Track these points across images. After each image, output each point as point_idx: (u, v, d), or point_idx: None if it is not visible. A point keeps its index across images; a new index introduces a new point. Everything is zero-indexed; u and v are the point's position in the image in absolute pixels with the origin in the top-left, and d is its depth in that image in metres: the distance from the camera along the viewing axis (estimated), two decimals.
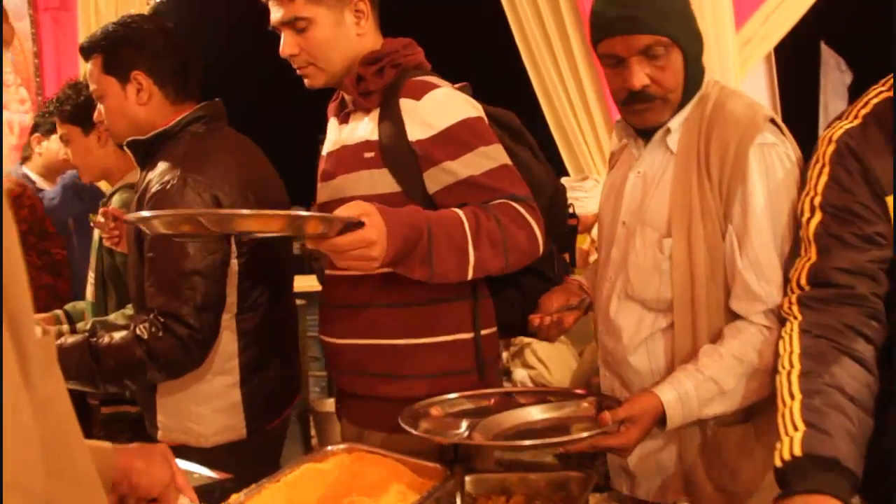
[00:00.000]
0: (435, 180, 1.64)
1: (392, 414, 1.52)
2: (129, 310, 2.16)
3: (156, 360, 1.75)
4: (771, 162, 1.49)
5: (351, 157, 1.73)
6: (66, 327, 2.38)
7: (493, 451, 1.89)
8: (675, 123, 1.58)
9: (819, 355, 1.31)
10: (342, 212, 1.40)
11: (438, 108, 1.64)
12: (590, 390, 1.72)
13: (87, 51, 1.92)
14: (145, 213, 1.45)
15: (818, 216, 1.40)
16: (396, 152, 1.65)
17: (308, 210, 2.02)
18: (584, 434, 1.36)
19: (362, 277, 1.64)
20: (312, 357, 4.52)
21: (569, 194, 2.03)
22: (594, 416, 1.45)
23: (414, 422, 1.44)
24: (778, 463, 1.22)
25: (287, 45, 1.70)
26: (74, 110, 2.34)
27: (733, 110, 1.53)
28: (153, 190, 1.80)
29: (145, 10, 4.51)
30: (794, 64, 3.59)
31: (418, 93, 1.65)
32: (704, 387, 1.44)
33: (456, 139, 1.62)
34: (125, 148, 1.96)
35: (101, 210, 2.22)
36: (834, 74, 5.92)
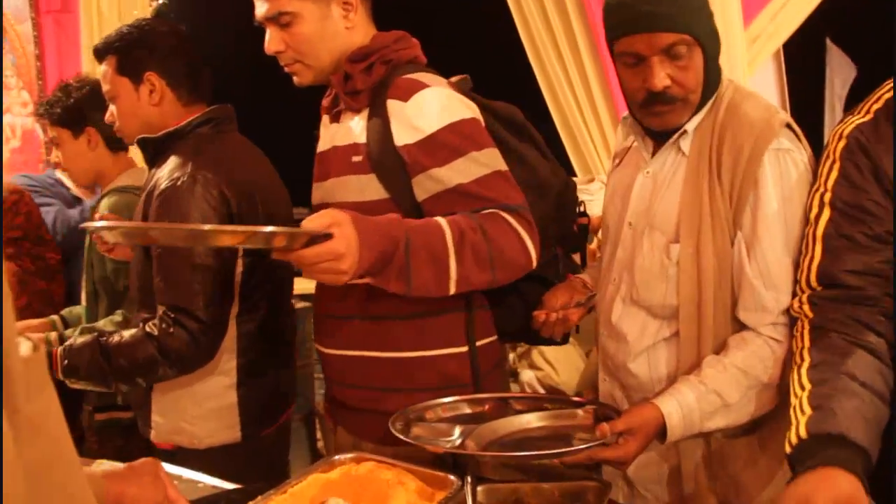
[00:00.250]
0: (423, 188, 1.56)
1: (386, 426, 1.46)
2: (117, 316, 2.15)
3: (167, 356, 1.76)
4: (786, 167, 1.44)
5: (340, 160, 1.66)
6: (53, 335, 2.36)
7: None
8: (692, 126, 1.52)
9: (829, 347, 1.28)
10: (314, 220, 1.35)
11: (426, 110, 1.54)
12: (588, 398, 1.68)
13: (101, 52, 1.96)
14: (101, 224, 1.46)
15: (827, 213, 1.37)
16: (384, 157, 1.57)
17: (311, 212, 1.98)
18: (582, 445, 1.32)
19: (350, 288, 1.56)
20: (317, 360, 4.49)
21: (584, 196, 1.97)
22: (592, 425, 1.40)
23: (405, 427, 1.40)
24: (787, 450, 1.20)
25: (272, 41, 1.64)
26: (64, 113, 2.33)
27: (748, 113, 1.48)
28: (162, 186, 1.81)
29: (148, 11, 4.48)
30: (803, 61, 3.55)
31: (406, 93, 1.56)
32: (707, 399, 1.40)
33: (444, 144, 1.53)
34: (136, 145, 1.98)
35: (97, 216, 2.19)
36: (840, 72, 5.88)
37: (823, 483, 1.10)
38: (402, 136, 1.55)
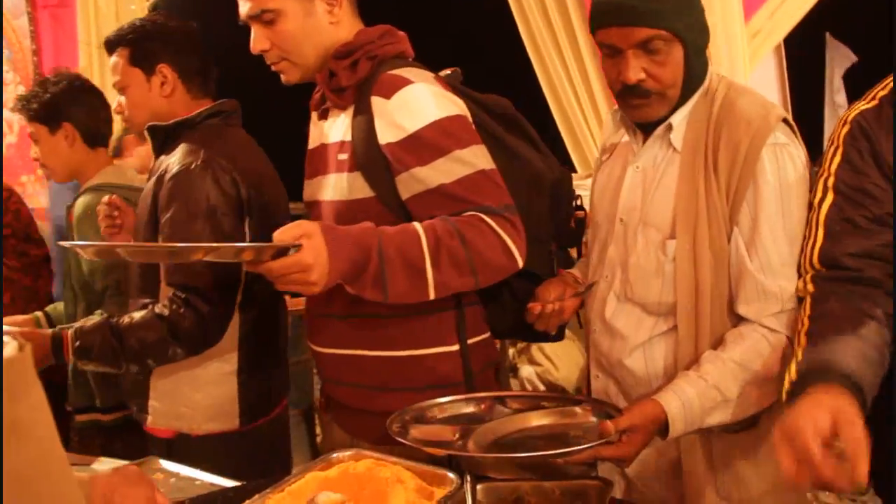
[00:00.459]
0: (406, 187, 1.54)
1: (380, 427, 1.46)
2: (95, 316, 2.13)
3: (177, 336, 1.80)
4: (783, 162, 1.45)
5: (327, 158, 1.66)
6: (40, 314, 2.38)
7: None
8: (677, 119, 1.52)
9: (831, 312, 1.31)
10: (285, 232, 1.36)
11: (409, 107, 1.52)
12: (585, 395, 1.67)
13: (113, 43, 1.99)
14: (77, 243, 1.55)
15: (830, 197, 1.38)
16: (368, 156, 1.56)
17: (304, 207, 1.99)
18: (585, 445, 1.30)
19: (339, 287, 1.52)
20: None
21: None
22: (592, 423, 1.39)
23: (403, 428, 1.38)
24: (783, 398, 1.21)
25: (257, 40, 1.63)
26: (40, 108, 2.29)
27: (744, 109, 1.48)
28: (175, 170, 1.85)
29: (145, 6, 4.46)
30: (804, 56, 3.54)
31: (389, 90, 1.54)
32: (707, 395, 1.40)
33: (427, 144, 1.51)
34: (146, 133, 2.01)
35: (105, 199, 2.17)
36: (841, 67, 5.87)
37: (809, 407, 1.10)
38: (386, 134, 1.53)
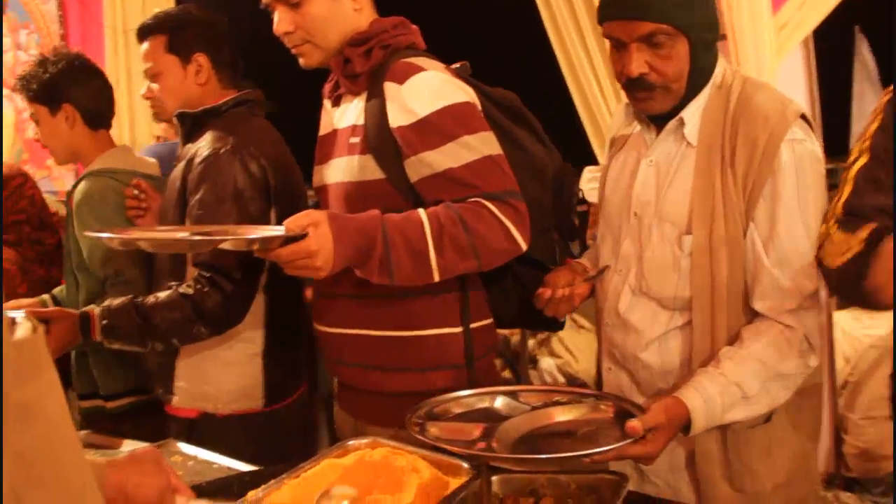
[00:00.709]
0: (414, 170, 1.59)
1: (386, 409, 1.53)
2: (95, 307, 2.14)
3: (202, 315, 1.83)
4: (801, 157, 1.44)
5: (339, 142, 1.71)
6: (46, 297, 2.37)
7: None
8: (689, 114, 1.52)
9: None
10: (294, 220, 1.44)
11: (421, 93, 1.57)
12: (600, 391, 1.66)
13: (148, 30, 2.02)
14: (102, 234, 1.55)
15: (864, 159, 1.40)
16: (380, 139, 1.61)
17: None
18: (612, 445, 1.28)
19: (345, 268, 1.57)
20: None
21: (588, 185, 1.99)
22: (612, 419, 1.38)
23: (422, 426, 1.38)
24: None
25: (282, 22, 1.66)
26: (40, 89, 2.23)
27: (762, 105, 1.47)
28: (204, 154, 1.90)
29: None
30: (832, 50, 3.49)
31: (402, 76, 1.59)
32: (729, 391, 1.39)
33: (436, 128, 1.55)
34: (175, 119, 2.04)
35: (133, 181, 2.17)
36: (869, 61, 5.79)
37: None
38: (397, 118, 1.58)
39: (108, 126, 2.34)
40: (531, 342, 5.06)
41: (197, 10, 2.06)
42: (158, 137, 3.71)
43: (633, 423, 1.29)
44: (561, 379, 4.90)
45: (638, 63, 1.45)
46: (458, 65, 1.74)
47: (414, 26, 1.74)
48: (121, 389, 2.24)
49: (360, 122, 1.65)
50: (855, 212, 1.37)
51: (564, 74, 3.62)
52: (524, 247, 1.57)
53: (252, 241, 1.47)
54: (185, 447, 1.69)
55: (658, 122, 1.58)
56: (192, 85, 2.01)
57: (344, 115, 1.72)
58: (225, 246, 1.44)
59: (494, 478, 1.28)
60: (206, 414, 1.95)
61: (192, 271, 1.90)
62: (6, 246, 2.47)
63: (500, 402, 1.49)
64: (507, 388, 1.57)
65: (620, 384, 1.63)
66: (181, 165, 1.97)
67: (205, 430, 1.90)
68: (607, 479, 1.26)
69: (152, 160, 2.48)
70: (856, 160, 1.42)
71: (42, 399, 0.56)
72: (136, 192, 2.17)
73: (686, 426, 1.38)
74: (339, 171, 1.70)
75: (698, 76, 1.50)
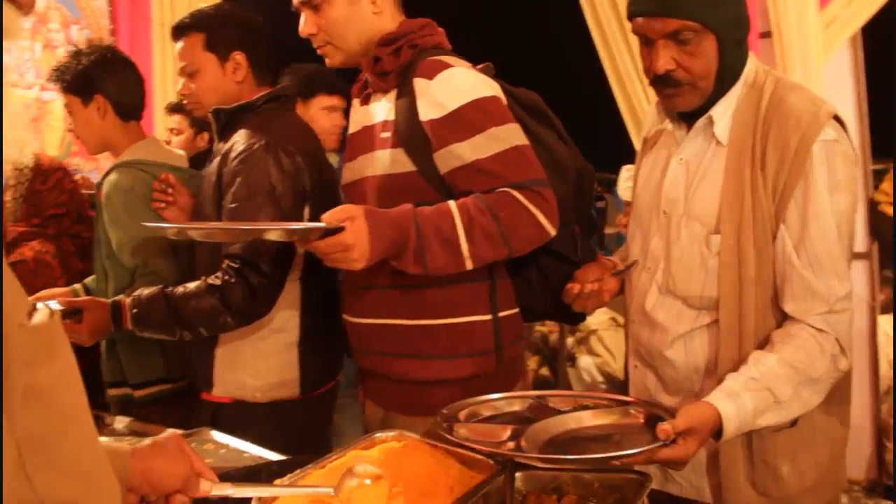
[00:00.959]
0: (444, 162, 1.65)
1: (416, 398, 1.61)
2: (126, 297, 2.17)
3: (229, 306, 1.86)
4: (833, 158, 1.42)
5: (369, 138, 1.76)
6: (78, 286, 2.40)
7: None
8: (718, 112, 1.51)
9: None
10: (333, 214, 1.51)
11: (450, 87, 1.64)
12: (629, 395, 1.65)
13: (185, 28, 2.04)
14: (158, 224, 1.72)
15: None
16: (410, 132, 1.66)
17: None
18: (641, 448, 1.27)
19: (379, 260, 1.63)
20: None
21: (625, 184, 2.01)
22: (643, 424, 1.37)
23: (450, 426, 1.39)
24: None
25: (306, 24, 1.77)
26: (74, 80, 2.27)
27: (794, 105, 1.46)
28: (240, 149, 1.93)
29: None
30: (881, 47, 3.41)
31: (431, 72, 1.65)
32: (760, 397, 1.37)
33: (466, 121, 1.62)
34: (210, 115, 2.07)
35: (161, 175, 2.22)
36: None
37: None
38: (428, 111, 1.64)
39: (139, 118, 2.37)
40: (570, 340, 5.03)
41: (234, 7, 2.09)
42: (172, 129, 3.76)
43: (665, 426, 1.28)
44: (599, 377, 4.87)
45: (664, 59, 1.45)
46: (480, 66, 1.79)
47: (440, 29, 1.80)
48: (148, 378, 2.28)
49: (391, 117, 1.71)
50: None
51: (607, 72, 3.61)
52: (552, 232, 1.63)
53: (293, 231, 1.56)
54: (217, 435, 1.72)
55: (688, 119, 1.57)
56: (230, 83, 2.04)
57: (374, 113, 1.78)
58: (267, 236, 1.52)
59: (518, 474, 1.28)
60: (240, 402, 1.99)
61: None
62: (45, 239, 2.52)
63: (530, 407, 1.49)
64: (537, 392, 1.58)
65: (646, 382, 1.63)
66: (217, 160, 2.00)
67: (237, 416, 1.94)
68: (631, 478, 1.25)
69: (181, 152, 2.53)
70: None
71: (55, 384, 0.57)
72: (162, 186, 2.21)
73: (717, 431, 1.36)
74: (370, 165, 1.75)
75: (727, 74, 1.49)
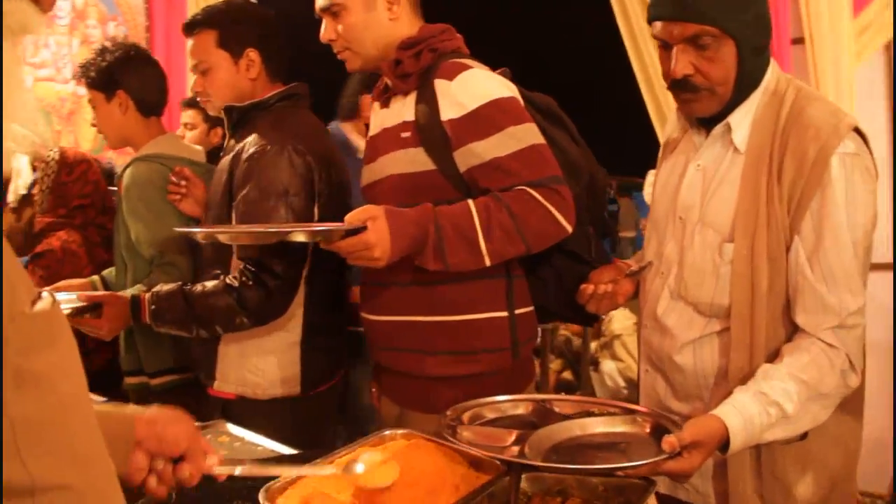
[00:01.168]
0: (463, 160, 1.68)
1: (428, 393, 1.66)
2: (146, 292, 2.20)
3: (245, 307, 1.89)
4: (852, 171, 1.40)
5: (389, 138, 1.79)
6: (96, 278, 2.44)
7: None
8: (736, 120, 1.49)
9: None
10: (355, 215, 1.58)
11: (470, 88, 1.68)
12: (640, 399, 1.65)
13: (198, 25, 2.03)
14: (191, 230, 1.79)
15: None
16: (430, 131, 1.70)
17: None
18: (647, 460, 1.27)
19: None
20: None
21: (650, 188, 2.00)
22: (649, 434, 1.37)
23: (454, 429, 1.39)
24: None
25: (326, 30, 1.82)
26: (97, 75, 2.31)
27: (814, 116, 1.43)
28: (251, 150, 1.95)
29: None
30: None
31: (452, 74, 1.70)
32: (768, 411, 1.36)
33: (485, 120, 1.66)
34: (222, 113, 2.08)
35: (175, 168, 2.25)
36: None
37: None
38: (448, 111, 1.69)
39: (159, 114, 2.42)
40: (593, 345, 5.01)
41: (247, 4, 2.09)
42: (186, 124, 3.80)
43: (670, 439, 1.27)
44: (621, 382, 4.85)
45: (682, 64, 1.44)
46: (498, 71, 1.82)
47: (459, 35, 1.85)
48: (165, 367, 2.32)
49: (411, 118, 1.76)
50: None
51: (636, 73, 3.59)
52: (569, 229, 1.67)
53: (316, 233, 1.64)
54: (233, 428, 1.74)
55: (707, 125, 1.56)
56: (243, 80, 2.04)
57: (394, 114, 1.80)
58: (293, 238, 1.58)
59: (524, 475, 1.28)
60: (243, 398, 2.01)
61: (236, 263, 1.96)
62: (72, 229, 2.57)
63: (534, 410, 1.49)
64: (542, 396, 1.59)
65: (656, 386, 1.63)
66: (228, 158, 2.01)
67: (241, 411, 1.95)
68: (636, 482, 1.24)
69: (199, 148, 2.56)
70: None
71: (54, 370, 0.58)
72: (175, 178, 2.24)
73: (724, 444, 1.35)
74: (391, 164, 1.78)
75: (746, 81, 1.47)
